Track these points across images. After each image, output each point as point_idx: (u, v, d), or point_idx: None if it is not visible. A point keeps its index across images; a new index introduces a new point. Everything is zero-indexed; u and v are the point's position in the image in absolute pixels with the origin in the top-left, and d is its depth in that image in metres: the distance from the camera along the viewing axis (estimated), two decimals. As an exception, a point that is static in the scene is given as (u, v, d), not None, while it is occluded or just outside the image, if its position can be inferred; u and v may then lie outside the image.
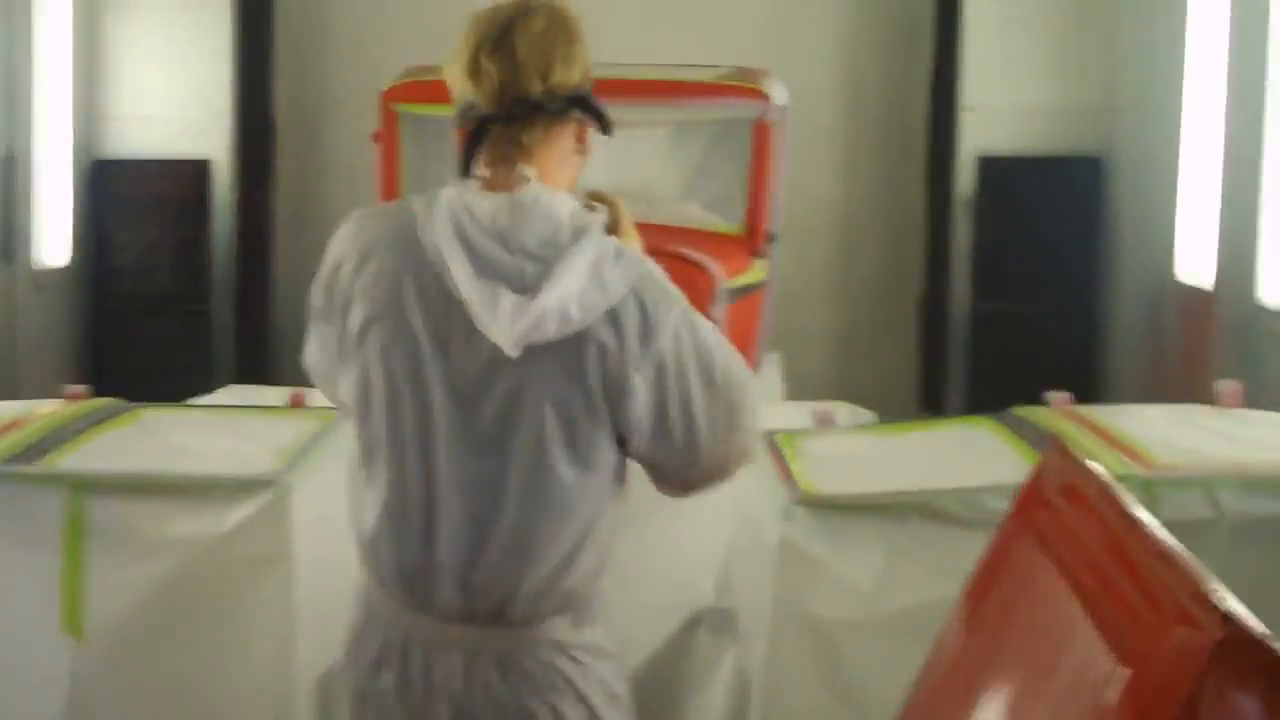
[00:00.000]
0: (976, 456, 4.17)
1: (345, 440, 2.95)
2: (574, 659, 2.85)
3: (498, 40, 2.84)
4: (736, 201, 7.33)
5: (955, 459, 4.16)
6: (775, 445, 4.38)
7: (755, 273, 6.99)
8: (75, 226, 9.65)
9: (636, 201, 7.33)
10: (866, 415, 5.79)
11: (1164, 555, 2.15)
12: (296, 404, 4.94)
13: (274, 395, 5.71)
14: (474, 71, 2.83)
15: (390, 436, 2.80)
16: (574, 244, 2.80)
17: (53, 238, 9.46)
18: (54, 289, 9.42)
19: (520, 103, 2.83)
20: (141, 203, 9.80)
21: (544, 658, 2.83)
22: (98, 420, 4.53)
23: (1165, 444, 4.02)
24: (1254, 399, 7.06)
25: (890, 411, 10.47)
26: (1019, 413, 4.55)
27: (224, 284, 10.05)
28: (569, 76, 2.87)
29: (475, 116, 2.84)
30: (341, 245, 2.89)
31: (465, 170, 2.86)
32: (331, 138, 10.59)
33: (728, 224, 7.22)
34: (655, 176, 7.77)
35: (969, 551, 3.10)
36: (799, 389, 8.43)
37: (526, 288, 2.74)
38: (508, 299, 2.74)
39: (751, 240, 7.10)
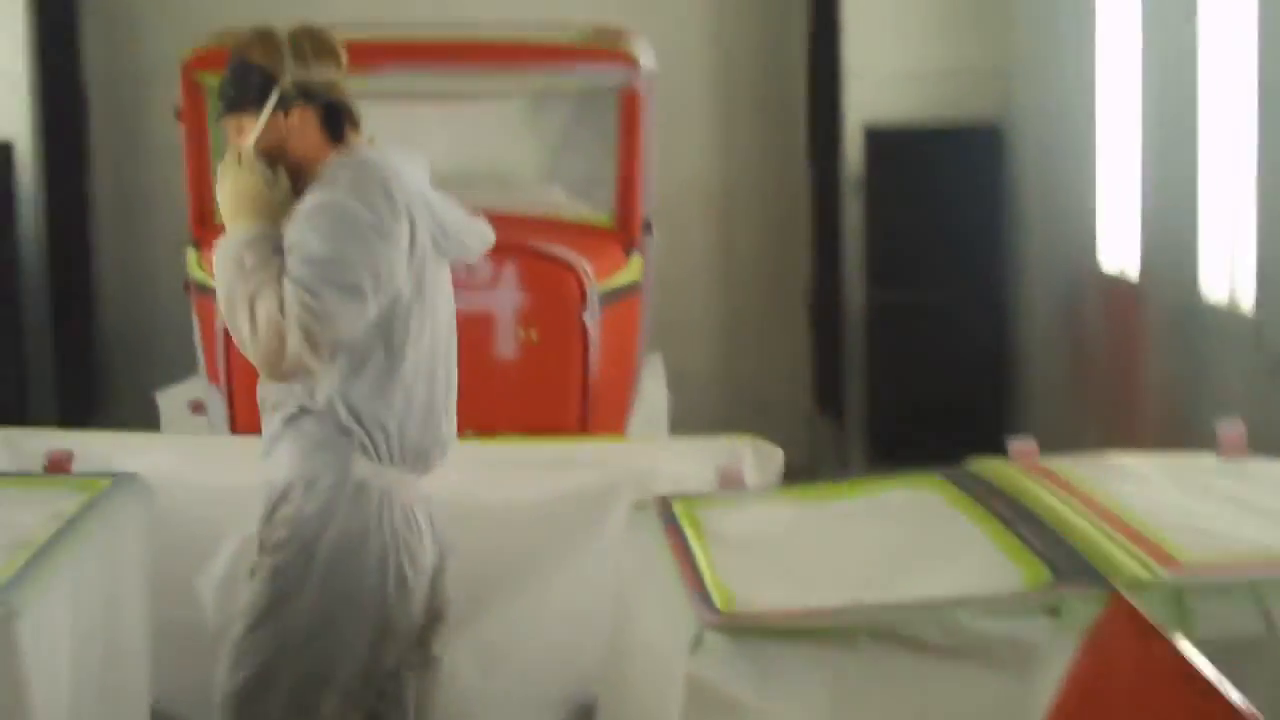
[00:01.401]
0: (934, 538, 3.15)
1: (113, 523, 3.36)
2: None
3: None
4: (604, 185, 6.26)
5: (909, 543, 3.13)
6: (673, 522, 3.33)
7: (630, 271, 5.92)
8: None
9: (489, 186, 6.39)
10: (774, 456, 4.77)
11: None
12: (56, 468, 3.78)
13: (41, 442, 4.60)
14: (340, 63, 3.84)
15: (427, 345, 3.77)
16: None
17: None
18: None
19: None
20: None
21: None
22: None
23: (1185, 528, 3.00)
24: (1197, 411, 6.18)
25: (784, 414, 9.66)
26: (975, 470, 3.54)
27: (36, 285, 8.77)
28: None
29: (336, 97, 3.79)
30: (401, 187, 3.70)
31: (338, 136, 3.77)
32: (155, 111, 9.36)
33: (595, 213, 6.15)
34: (510, 157, 6.72)
35: (943, 689, 2.65)
36: (683, 389, 7.45)
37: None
38: (473, 229, 3.96)
39: (625, 233, 6.01)
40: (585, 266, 5.46)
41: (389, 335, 3.71)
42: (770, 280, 9.43)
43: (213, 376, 5.62)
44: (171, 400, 6.61)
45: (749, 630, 2.73)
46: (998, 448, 7.91)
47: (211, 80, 5.95)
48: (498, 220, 5.82)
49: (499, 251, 5.43)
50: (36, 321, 8.71)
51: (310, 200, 3.77)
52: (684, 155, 8.94)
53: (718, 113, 9.41)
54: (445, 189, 6.29)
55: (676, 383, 7.33)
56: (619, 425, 5.80)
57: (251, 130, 3.88)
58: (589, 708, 4.69)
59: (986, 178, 8.18)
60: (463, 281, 5.40)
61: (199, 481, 4.55)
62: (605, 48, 6.06)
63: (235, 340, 3.78)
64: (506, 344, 5.32)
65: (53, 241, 8.83)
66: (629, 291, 5.88)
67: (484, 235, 4.02)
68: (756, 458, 4.73)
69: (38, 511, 3.37)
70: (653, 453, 4.84)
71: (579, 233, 5.85)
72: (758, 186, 9.40)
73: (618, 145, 6.04)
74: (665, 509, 3.43)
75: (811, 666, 2.72)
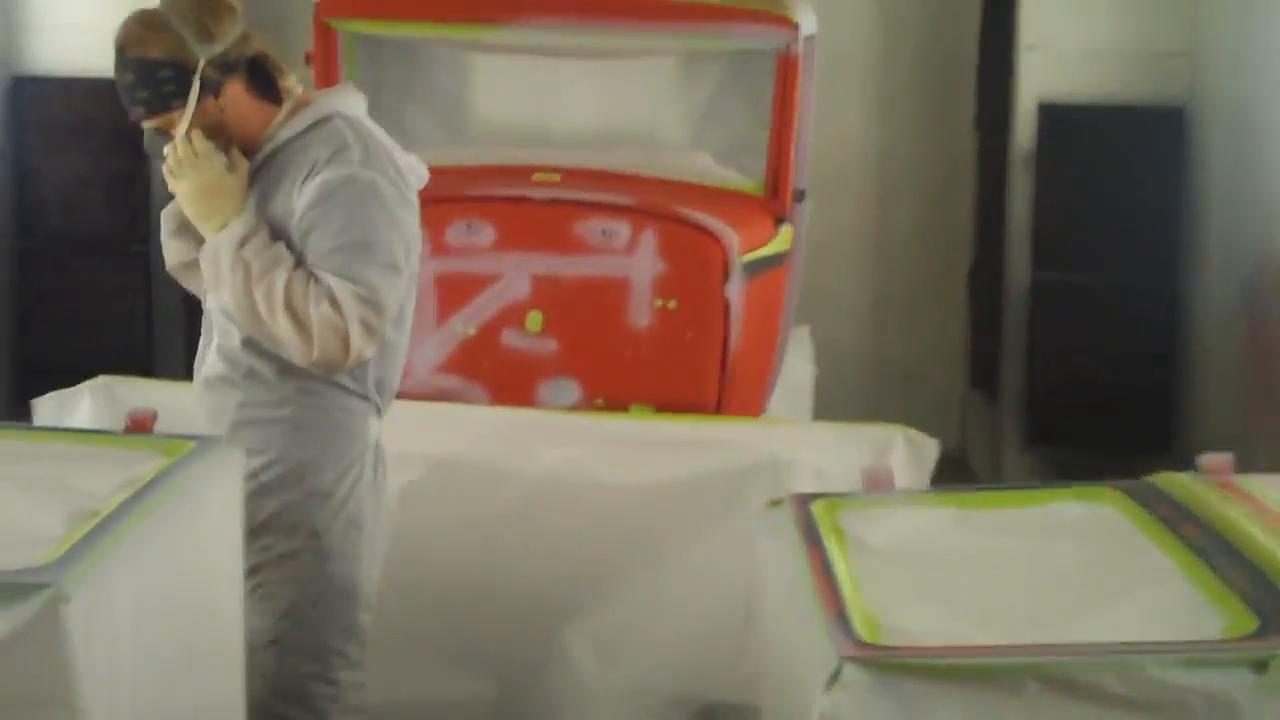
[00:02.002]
0: (1116, 566, 2.72)
1: (193, 491, 3.05)
2: None
3: None
4: (754, 151, 5.86)
5: (1085, 570, 2.70)
6: (812, 526, 2.93)
7: (779, 241, 5.52)
8: (-11, 153, 8.17)
9: (634, 149, 6.03)
10: (928, 448, 4.36)
11: None
12: (137, 427, 3.44)
13: (155, 393, 4.31)
14: (237, 14, 3.76)
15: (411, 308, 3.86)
16: None
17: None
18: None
19: None
20: (69, 127, 8.27)
21: None
22: None
23: None
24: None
25: (934, 392, 9.23)
26: (1160, 484, 3.10)
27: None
28: None
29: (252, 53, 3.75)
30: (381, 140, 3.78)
31: (272, 92, 3.78)
32: (290, 59, 9.07)
33: (745, 180, 5.75)
34: (656, 119, 6.36)
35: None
36: (830, 365, 7.08)
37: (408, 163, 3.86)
38: (415, 168, 3.92)
39: (775, 201, 5.61)
40: (730, 235, 5.08)
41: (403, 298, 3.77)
42: (926, 254, 8.96)
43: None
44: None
45: (895, 666, 2.32)
46: (1163, 442, 7.53)
47: (344, 25, 5.68)
48: (641, 184, 5.51)
49: (640, 216, 5.12)
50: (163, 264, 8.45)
51: (324, 177, 3.65)
52: (842, 121, 8.48)
53: (880, 79, 8.93)
54: (589, 150, 6.01)
55: (823, 356, 6.96)
56: (758, 403, 5.43)
57: (182, 125, 3.68)
58: (712, 710, 4.36)
59: (1167, 161, 7.62)
60: (599, 246, 5.10)
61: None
62: (765, 9, 5.67)
63: (274, 345, 3.63)
64: (642, 313, 4.98)
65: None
66: (776, 263, 5.48)
67: (420, 173, 3.92)
68: (909, 449, 4.35)
69: (109, 477, 3.03)
70: (794, 439, 4.47)
71: (726, 200, 5.47)
72: (918, 157, 8.90)
73: (772, 110, 5.65)
74: (803, 510, 3.03)
75: (967, 713, 2.31)
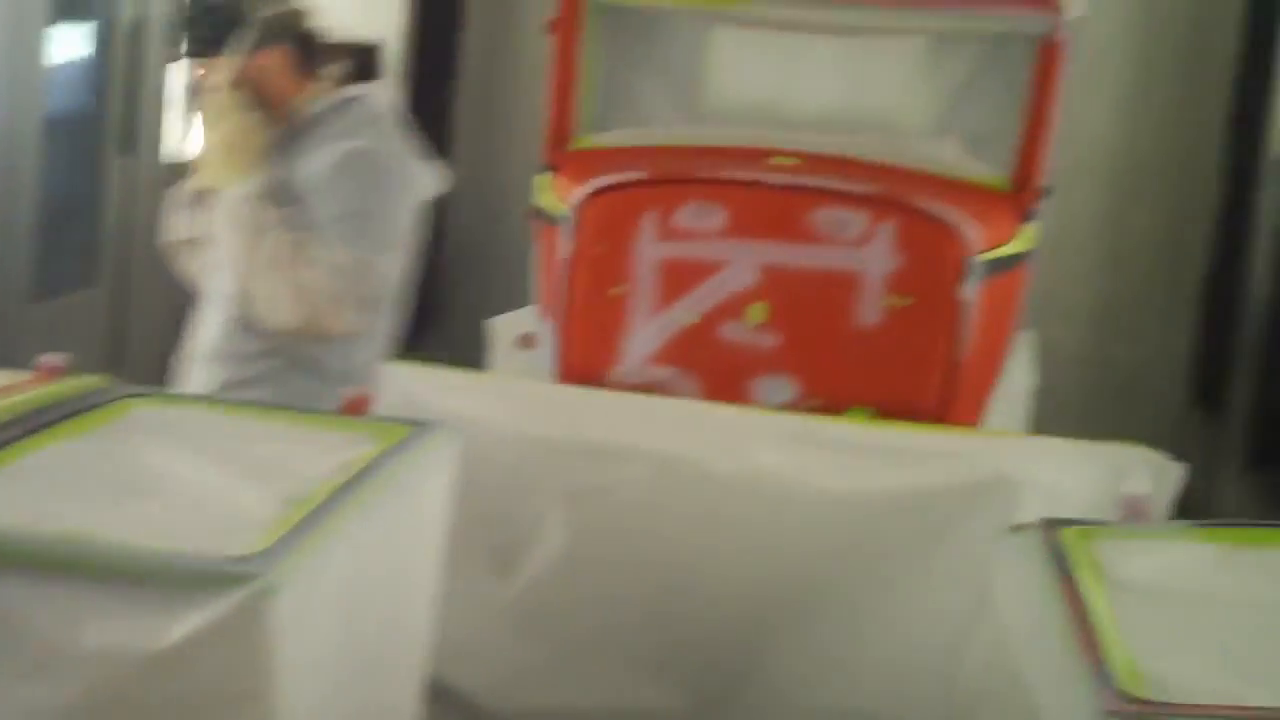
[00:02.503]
0: None
1: (408, 478, 2.95)
2: None
3: None
4: (1002, 143, 5.58)
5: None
6: (1064, 558, 2.71)
7: (1021, 241, 5.24)
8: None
9: (877, 134, 5.79)
10: (1171, 473, 4.08)
11: None
12: (355, 409, 3.33)
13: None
14: None
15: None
16: None
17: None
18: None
19: None
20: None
21: None
22: (57, 418, 3.00)
23: None
24: None
25: (1156, 405, 8.85)
26: None
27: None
28: None
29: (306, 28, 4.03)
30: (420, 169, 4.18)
31: (311, 71, 4.11)
32: (528, 29, 8.98)
33: (992, 173, 5.48)
34: (902, 103, 6.09)
35: None
36: (1048, 368, 6.78)
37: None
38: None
39: (1022, 197, 5.33)
40: (971, 232, 4.83)
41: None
42: (1162, 259, 8.59)
43: (547, 310, 5.19)
44: (506, 328, 6.19)
45: (1169, 726, 2.11)
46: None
47: (590, -6, 5.55)
48: (882, 172, 5.27)
49: (876, 207, 4.88)
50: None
51: (336, 147, 3.79)
52: (1084, 114, 8.15)
53: (1129, 70, 8.56)
54: (830, 133, 5.78)
55: (1044, 359, 6.67)
56: (979, 413, 5.17)
57: (222, 74, 3.85)
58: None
59: None
60: (829, 236, 4.88)
61: (512, 429, 4.14)
62: None
63: (263, 307, 3.62)
64: (870, 310, 4.74)
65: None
66: (1015, 264, 5.20)
67: (432, 183, 4.28)
68: (1151, 472, 4.07)
69: (323, 462, 2.91)
70: (1026, 455, 4.20)
71: (971, 193, 5.19)
72: (1165, 155, 8.53)
73: (1029, 100, 5.35)
74: (1053, 538, 2.80)
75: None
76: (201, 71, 3.96)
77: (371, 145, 3.89)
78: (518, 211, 9.01)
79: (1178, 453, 8.31)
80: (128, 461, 2.84)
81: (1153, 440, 4.54)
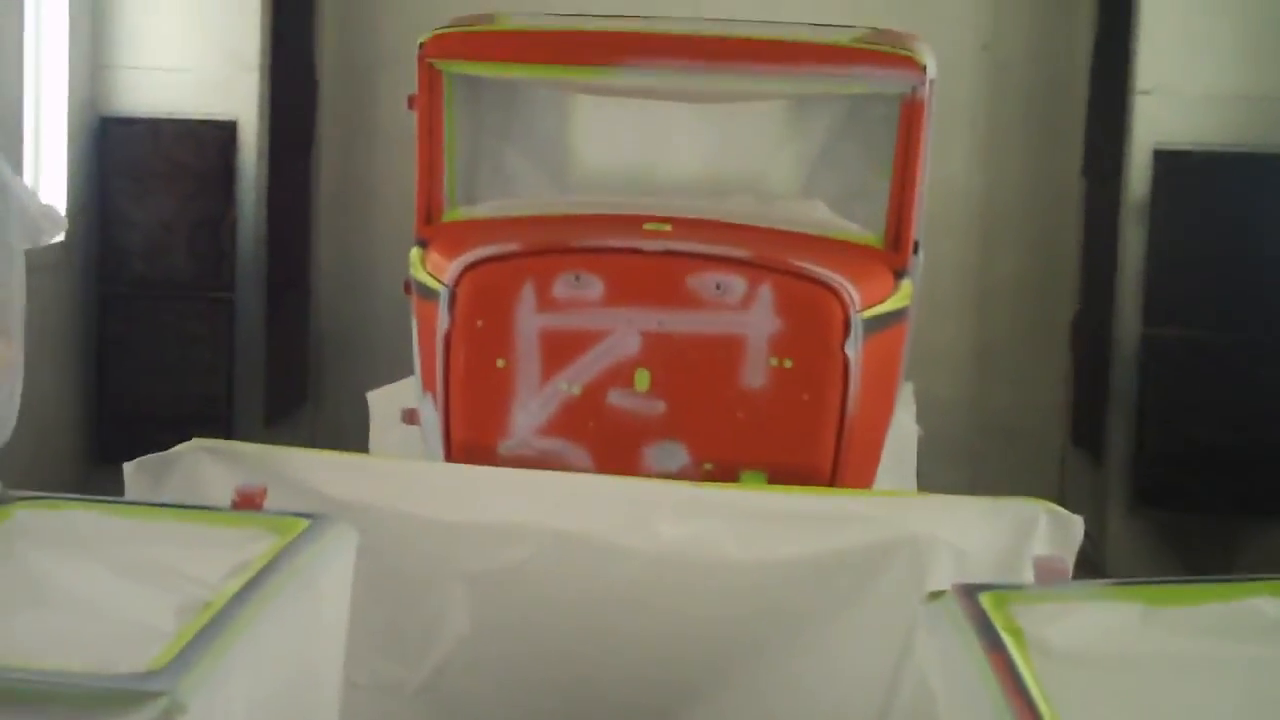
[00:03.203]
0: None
1: (309, 577, 2.81)
2: None
3: None
4: (871, 200, 5.59)
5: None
6: (987, 625, 2.66)
7: (899, 297, 5.24)
8: (73, 197, 7.97)
9: (745, 197, 5.76)
10: (1074, 526, 4.07)
11: None
12: (245, 503, 3.22)
13: (247, 463, 4.07)
14: None
15: None
16: None
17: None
18: (48, 270, 7.75)
19: None
20: (155, 170, 8.07)
21: None
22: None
23: None
24: None
25: (1035, 449, 8.89)
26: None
27: (252, 270, 8.25)
28: None
29: None
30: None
31: None
32: (386, 97, 8.91)
33: (864, 231, 5.47)
34: (767, 165, 6.09)
35: None
36: (929, 416, 6.78)
37: None
38: None
39: (896, 254, 5.33)
40: (851, 290, 4.82)
41: None
42: (1030, 306, 8.68)
43: (428, 385, 5.10)
44: (383, 402, 6.09)
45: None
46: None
47: (449, 66, 5.46)
48: (757, 235, 5.25)
49: (754, 270, 4.86)
50: (250, 308, 8.25)
51: None
52: (944, 168, 8.21)
53: (984, 124, 8.67)
54: (697, 198, 5.76)
55: (922, 409, 6.68)
56: (872, 468, 5.15)
57: None
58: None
59: (1291, 211, 7.32)
60: (708, 300, 4.85)
61: (410, 513, 4.03)
62: (890, 51, 5.40)
63: None
64: (755, 373, 4.71)
65: (272, 226, 8.36)
66: (896, 320, 5.21)
67: (54, 223, 3.93)
68: (1053, 526, 4.06)
69: (219, 561, 2.81)
70: (931, 514, 4.18)
71: (845, 252, 5.19)
72: (1024, 205, 8.64)
73: (895, 157, 5.36)
74: (971, 604, 2.76)
75: None
76: None
77: None
78: (384, 285, 8.91)
79: (1061, 495, 8.39)
80: (17, 572, 2.71)
81: (1037, 483, 4.55)
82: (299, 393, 8.83)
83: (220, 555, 2.85)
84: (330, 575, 2.94)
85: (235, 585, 2.67)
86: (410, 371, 5.95)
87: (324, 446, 6.51)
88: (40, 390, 7.64)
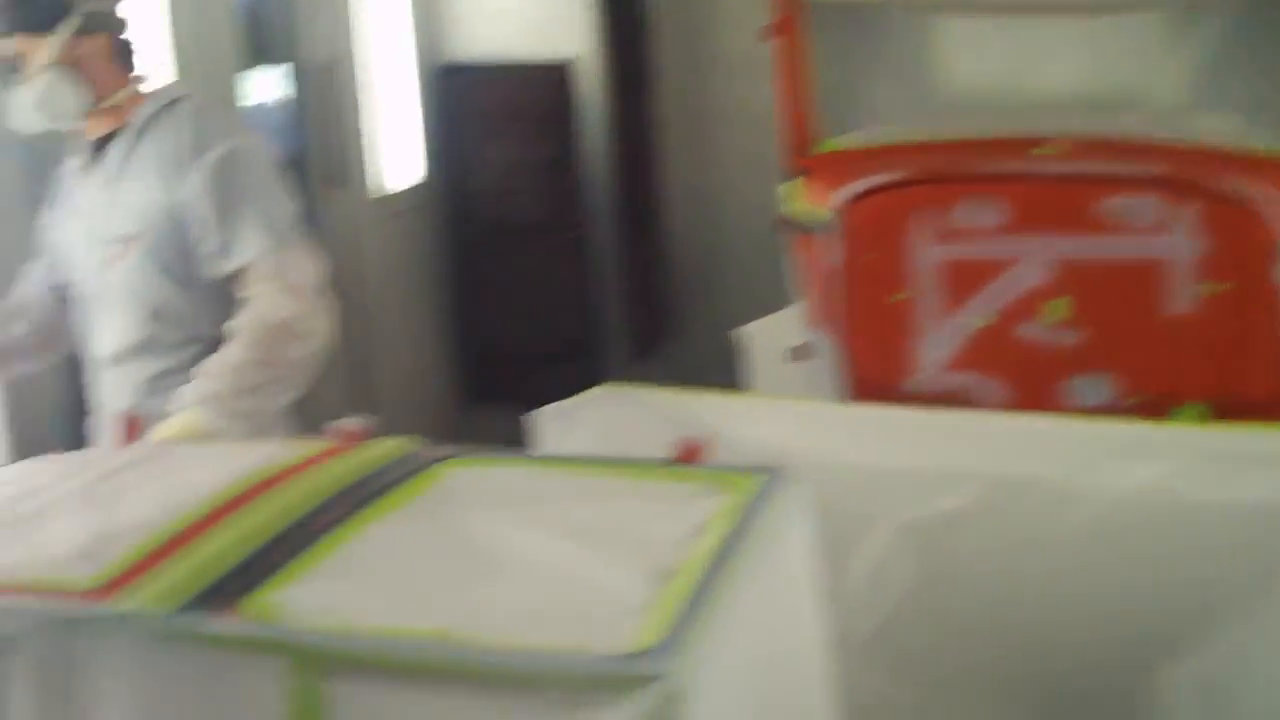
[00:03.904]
0: None
1: (775, 542, 2.50)
2: None
3: None
4: (1271, 111, 5.17)
5: None
6: None
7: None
8: (428, 143, 7.90)
9: (1127, 109, 5.36)
10: None
11: None
12: (688, 456, 2.97)
13: (659, 409, 3.83)
14: None
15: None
16: None
17: (397, 157, 7.74)
18: (403, 216, 7.71)
19: None
20: (496, 114, 7.98)
21: None
22: (374, 491, 2.69)
23: None
24: None
25: None
26: None
27: (604, 207, 8.11)
28: None
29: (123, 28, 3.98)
30: None
31: (131, 68, 4.02)
32: (721, 22, 8.64)
33: (1268, 143, 5.03)
34: (1150, 78, 5.68)
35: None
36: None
37: None
38: None
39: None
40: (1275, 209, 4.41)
41: None
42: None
43: (818, 321, 4.82)
44: (759, 337, 5.78)
45: None
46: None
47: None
48: (1164, 152, 4.86)
49: (1171, 190, 4.48)
50: (604, 245, 8.11)
51: (211, 156, 3.81)
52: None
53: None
54: (1081, 113, 5.38)
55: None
56: None
57: (45, 54, 3.77)
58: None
59: None
60: (1123, 224, 4.48)
61: (838, 460, 3.74)
62: None
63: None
64: (1182, 299, 4.34)
65: (617, 162, 8.19)
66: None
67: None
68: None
69: (672, 520, 2.54)
70: None
71: (1261, 168, 4.76)
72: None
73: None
74: None
75: None
76: (19, 51, 3.82)
77: (251, 140, 3.91)
78: (732, 215, 8.67)
79: None
80: (463, 537, 2.50)
81: None
82: (661, 328, 8.67)
83: (671, 514, 2.60)
84: (797, 535, 2.67)
85: (701, 549, 2.41)
86: (776, 305, 5.70)
87: (690, 383, 6.30)
88: (409, 333, 7.64)
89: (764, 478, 2.72)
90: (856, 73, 5.77)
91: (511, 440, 6.70)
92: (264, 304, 3.78)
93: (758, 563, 2.43)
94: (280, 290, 3.81)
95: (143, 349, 3.92)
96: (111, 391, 3.99)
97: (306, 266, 3.87)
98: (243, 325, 3.78)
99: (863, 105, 5.68)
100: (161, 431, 3.72)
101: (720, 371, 6.37)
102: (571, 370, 7.71)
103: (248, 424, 3.71)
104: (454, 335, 8.10)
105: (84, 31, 3.84)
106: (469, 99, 7.95)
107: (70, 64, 3.84)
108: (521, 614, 2.23)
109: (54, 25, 3.79)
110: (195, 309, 3.88)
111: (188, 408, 3.74)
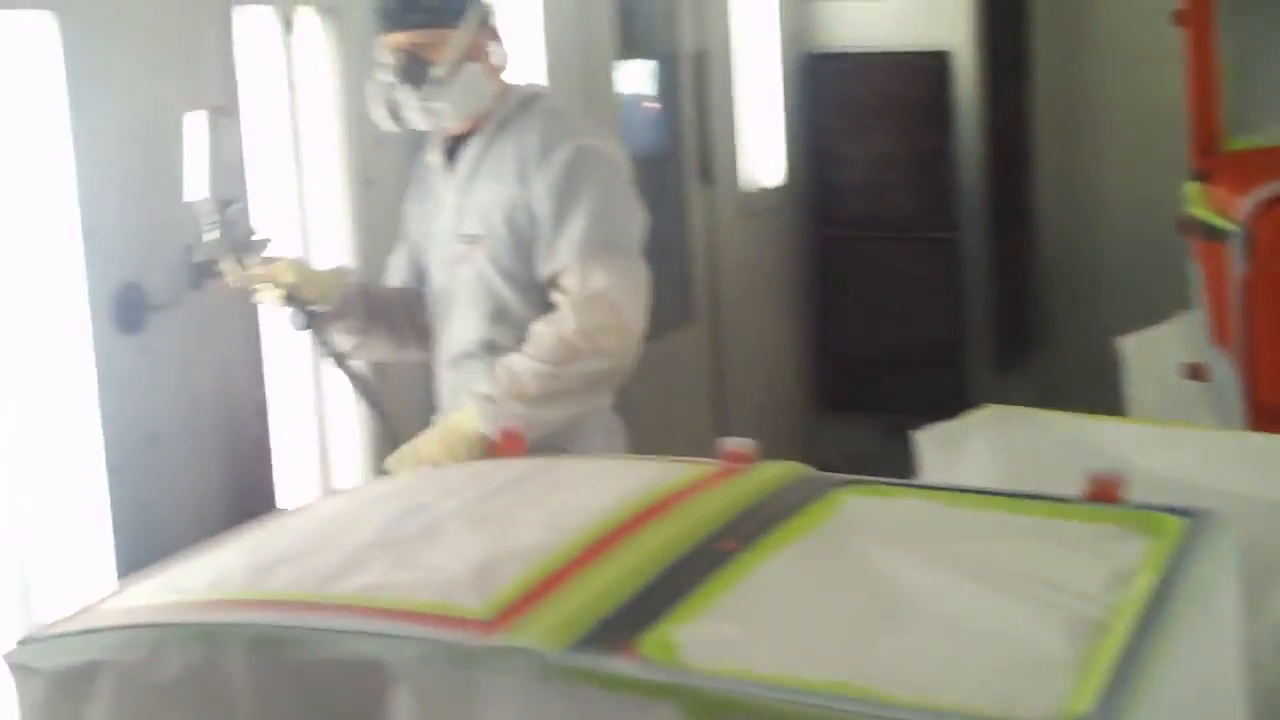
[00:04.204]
0: None
1: (1203, 596, 2.25)
2: None
3: None
4: None
5: None
6: None
7: None
8: (790, 136, 7.75)
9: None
10: None
11: None
12: (1101, 494, 2.74)
13: (1052, 433, 3.61)
14: None
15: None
16: None
17: (763, 151, 7.61)
18: (765, 214, 7.58)
19: None
20: (866, 106, 7.77)
21: None
22: (764, 522, 2.56)
23: None
24: None
25: None
26: None
27: (975, 205, 7.77)
28: None
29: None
30: None
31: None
32: (1102, 5, 8.31)
33: None
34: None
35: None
36: None
37: None
38: None
39: None
40: None
41: None
42: None
43: (1220, 338, 4.53)
44: (1139, 350, 5.48)
45: None
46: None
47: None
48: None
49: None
50: (974, 246, 7.81)
51: (558, 156, 3.70)
52: None
53: None
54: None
55: None
56: None
57: (449, 50, 3.68)
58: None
59: None
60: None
61: (1248, 494, 3.45)
62: None
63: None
64: None
65: (992, 157, 7.89)
66: None
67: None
68: None
69: (1089, 567, 2.36)
70: None
71: None
72: None
73: None
74: None
75: None
76: (422, 44, 3.68)
77: (600, 144, 3.73)
78: (1111, 214, 8.32)
79: None
80: (866, 577, 2.35)
81: None
82: (1029, 336, 8.36)
83: (1087, 559, 2.41)
84: (1225, 586, 2.46)
85: (1127, 602, 2.22)
86: (1155, 317, 5.41)
87: (1058, 396, 6.03)
88: (767, 335, 7.50)
89: (1188, 520, 2.50)
90: (1267, 64, 5.40)
91: (867, 453, 6.49)
92: (561, 314, 3.65)
93: (1188, 619, 2.23)
94: (578, 302, 3.64)
95: (482, 352, 3.81)
96: (450, 394, 3.91)
97: (617, 282, 3.65)
98: (536, 332, 3.67)
99: (1275, 100, 5.32)
100: (434, 430, 3.69)
101: (1092, 384, 6.08)
102: (930, 379, 7.48)
103: (538, 429, 3.61)
104: (812, 339, 7.90)
105: (483, 24, 3.75)
106: (838, 89, 7.75)
107: (474, 59, 3.74)
108: (932, 668, 2.08)
109: (460, 18, 3.69)
110: (533, 314, 3.75)
111: (464, 408, 3.67)
